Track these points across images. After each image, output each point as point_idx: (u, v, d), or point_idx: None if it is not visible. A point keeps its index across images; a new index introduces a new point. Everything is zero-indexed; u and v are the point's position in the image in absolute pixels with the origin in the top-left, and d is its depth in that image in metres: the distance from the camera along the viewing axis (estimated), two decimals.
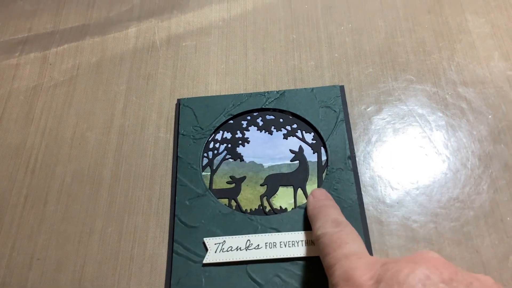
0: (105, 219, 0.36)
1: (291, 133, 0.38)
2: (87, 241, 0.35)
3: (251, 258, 0.32)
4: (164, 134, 0.40)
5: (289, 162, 0.37)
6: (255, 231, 0.34)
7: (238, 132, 0.39)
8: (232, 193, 0.36)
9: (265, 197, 0.36)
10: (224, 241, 0.33)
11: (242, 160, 0.37)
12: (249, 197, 0.36)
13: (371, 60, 0.42)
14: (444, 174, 0.36)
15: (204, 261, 0.32)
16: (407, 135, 0.38)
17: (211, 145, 0.38)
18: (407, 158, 0.37)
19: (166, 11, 0.47)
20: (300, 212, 0.34)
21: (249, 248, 0.33)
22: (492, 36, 0.42)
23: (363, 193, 0.35)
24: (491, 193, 0.34)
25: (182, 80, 0.43)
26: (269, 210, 0.35)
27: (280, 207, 0.35)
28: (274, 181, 0.36)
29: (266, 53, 0.43)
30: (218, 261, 0.32)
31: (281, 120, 0.39)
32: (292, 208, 0.35)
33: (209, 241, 0.33)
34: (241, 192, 0.36)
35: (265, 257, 0.32)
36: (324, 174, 0.36)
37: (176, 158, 0.38)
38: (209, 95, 0.41)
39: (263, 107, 0.39)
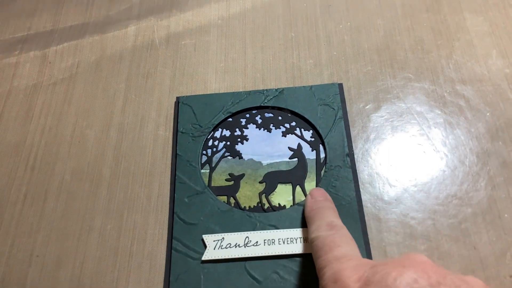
0: (105, 216, 0.36)
1: (290, 131, 0.38)
2: (86, 238, 0.35)
3: (250, 255, 0.32)
4: (163, 132, 0.40)
5: (288, 159, 0.37)
6: (254, 228, 0.34)
7: (237, 129, 0.39)
8: (231, 190, 0.36)
9: (264, 194, 0.36)
10: (223, 238, 0.33)
11: (241, 157, 0.38)
12: (248, 194, 0.36)
13: (370, 58, 0.42)
14: (442, 171, 0.36)
15: (203, 258, 0.33)
16: (405, 132, 0.38)
17: (210, 143, 0.38)
18: (405, 156, 0.37)
19: (165, 10, 0.47)
20: (299, 209, 0.34)
21: (247, 245, 0.33)
22: (490, 34, 0.42)
23: (361, 190, 0.35)
24: (489, 190, 0.34)
25: (181, 78, 0.43)
26: (268, 207, 0.35)
27: (279, 204, 0.35)
28: (272, 179, 0.36)
29: (265, 51, 0.43)
30: (216, 258, 0.33)
31: (279, 117, 0.39)
32: (291, 205, 0.35)
33: (208, 238, 0.33)
34: (240, 189, 0.36)
35: (263, 254, 0.32)
36: (322, 172, 0.36)
37: (175, 155, 0.38)
38: (208, 93, 0.41)
39: (262, 105, 0.39)
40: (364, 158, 0.37)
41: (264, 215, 0.34)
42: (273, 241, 0.33)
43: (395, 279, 0.22)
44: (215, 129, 0.39)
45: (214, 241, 0.33)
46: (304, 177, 0.36)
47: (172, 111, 0.41)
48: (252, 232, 0.33)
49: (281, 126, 0.39)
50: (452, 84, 0.40)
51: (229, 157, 0.38)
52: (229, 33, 0.45)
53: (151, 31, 0.46)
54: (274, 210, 0.35)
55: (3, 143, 0.41)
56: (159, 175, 0.38)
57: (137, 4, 0.48)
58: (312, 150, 0.37)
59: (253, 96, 0.40)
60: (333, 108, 0.38)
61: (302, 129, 0.38)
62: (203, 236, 0.34)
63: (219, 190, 0.36)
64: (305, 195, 0.35)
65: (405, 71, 0.41)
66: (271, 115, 0.39)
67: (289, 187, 0.36)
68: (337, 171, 0.36)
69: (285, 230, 0.33)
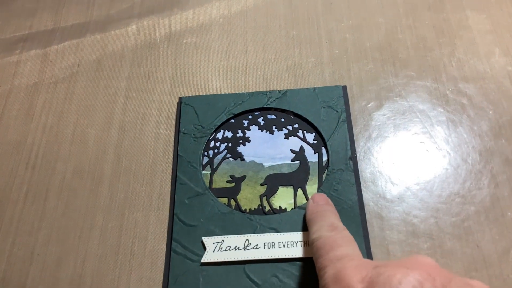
0: (106, 215, 0.36)
1: (292, 133, 0.38)
2: (87, 237, 0.35)
3: (249, 258, 0.32)
4: (164, 131, 0.40)
5: (290, 162, 0.37)
6: (254, 231, 0.33)
7: (239, 131, 0.39)
8: (231, 192, 0.36)
9: (265, 197, 0.35)
10: (223, 240, 0.33)
11: (242, 159, 0.37)
12: (248, 197, 0.36)
13: (372, 57, 0.42)
14: (444, 169, 0.35)
15: (202, 260, 0.32)
16: (408, 130, 0.38)
17: (211, 144, 0.38)
18: (407, 154, 0.36)
19: (166, 8, 0.47)
20: (300, 213, 0.34)
21: (247, 248, 0.33)
22: (493, 32, 0.42)
23: (363, 188, 0.35)
24: (492, 188, 0.34)
25: (182, 77, 0.43)
26: (269, 210, 0.35)
27: (280, 207, 0.35)
28: (274, 181, 0.36)
29: (267, 50, 0.43)
30: (216, 260, 0.32)
31: (282, 119, 0.39)
32: (292, 209, 0.34)
33: (208, 240, 0.33)
34: (241, 191, 0.36)
35: (263, 257, 0.32)
36: (324, 175, 0.36)
37: (176, 156, 0.37)
38: (210, 91, 0.41)
39: (265, 106, 0.39)
40: (367, 156, 0.37)
41: (264, 218, 0.34)
42: (273, 244, 0.33)
43: (400, 282, 0.21)
44: (217, 130, 0.39)
45: (213, 243, 0.33)
46: (306, 180, 0.36)
47: (173, 110, 0.41)
48: (252, 235, 0.33)
49: (283, 128, 0.38)
50: (455, 82, 0.39)
51: (231, 159, 0.37)
52: (231, 31, 0.45)
53: (152, 29, 0.46)
54: (275, 213, 0.34)
55: (4, 141, 0.41)
56: (160, 174, 0.37)
57: (138, 2, 0.48)
58: (314, 153, 0.37)
59: (256, 98, 0.40)
60: (337, 111, 0.38)
61: (305, 132, 0.38)
62: (203, 238, 0.33)
63: (220, 192, 0.36)
64: (307, 198, 0.35)
65: (407, 69, 0.40)
66: (273, 117, 0.39)
67: (290, 190, 0.36)
68: (339, 174, 0.35)
69: (285, 233, 0.33)
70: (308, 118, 0.38)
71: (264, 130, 0.38)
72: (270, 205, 0.35)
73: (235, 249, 0.33)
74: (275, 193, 0.36)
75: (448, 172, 0.35)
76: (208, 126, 0.39)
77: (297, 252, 0.32)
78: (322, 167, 0.36)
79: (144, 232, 0.35)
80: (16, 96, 0.43)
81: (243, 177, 0.36)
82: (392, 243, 0.33)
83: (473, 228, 0.33)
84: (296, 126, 0.38)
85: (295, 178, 0.36)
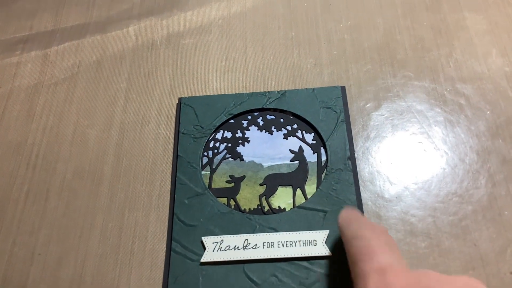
0: (106, 215, 0.36)
1: (292, 133, 0.38)
2: (88, 236, 0.35)
3: (249, 258, 0.32)
4: (164, 131, 0.40)
5: (289, 162, 0.37)
6: (253, 230, 0.34)
7: (239, 131, 0.39)
8: (231, 192, 0.36)
9: (264, 197, 0.36)
10: (222, 240, 0.33)
11: (241, 159, 0.37)
12: (248, 197, 0.36)
13: (370, 57, 0.42)
14: (442, 169, 0.36)
15: (202, 260, 0.33)
16: (406, 131, 0.38)
17: (211, 144, 0.38)
18: (405, 154, 0.37)
19: (166, 9, 0.48)
20: (299, 212, 0.34)
21: (247, 247, 0.33)
22: (490, 33, 0.42)
23: (362, 188, 0.35)
24: (489, 188, 0.35)
25: (182, 77, 0.43)
26: (268, 210, 0.35)
27: (279, 207, 0.35)
28: (273, 181, 0.36)
29: (266, 51, 0.44)
30: (215, 260, 0.32)
31: (281, 120, 0.39)
32: (291, 208, 0.35)
33: (207, 240, 0.33)
34: (240, 191, 0.36)
35: (262, 257, 0.32)
36: (323, 175, 0.36)
37: (176, 156, 0.38)
38: (209, 92, 0.41)
39: (264, 107, 0.39)
40: (365, 156, 0.37)
41: (264, 218, 0.34)
42: (272, 244, 0.33)
43: None
44: (216, 130, 0.39)
45: (213, 243, 0.33)
46: (304, 180, 0.36)
47: (173, 111, 0.41)
48: (251, 234, 0.33)
49: (282, 129, 0.39)
50: (452, 82, 0.40)
51: (230, 159, 0.38)
52: (230, 32, 0.45)
53: (152, 30, 0.46)
54: (274, 213, 0.35)
55: (4, 142, 0.41)
56: (160, 174, 0.38)
57: (138, 3, 0.48)
58: (313, 153, 0.37)
59: (255, 98, 0.40)
60: (335, 111, 0.38)
61: (304, 132, 0.38)
62: (202, 238, 0.34)
63: (219, 192, 0.36)
64: (306, 198, 0.35)
65: (405, 69, 0.41)
66: (273, 117, 0.39)
67: (289, 190, 0.36)
68: (338, 174, 0.35)
69: (284, 233, 0.33)
70: (307, 119, 0.38)
71: (263, 131, 0.39)
72: (269, 205, 0.35)
73: (235, 249, 0.33)
74: (274, 193, 0.36)
75: (446, 171, 0.36)
76: (208, 126, 0.39)
77: (296, 251, 0.32)
78: (321, 167, 0.36)
79: (144, 232, 0.35)
80: (16, 97, 0.44)
81: (243, 177, 0.37)
82: None
83: (470, 227, 0.33)
84: (295, 126, 0.39)
85: (294, 178, 0.36)
